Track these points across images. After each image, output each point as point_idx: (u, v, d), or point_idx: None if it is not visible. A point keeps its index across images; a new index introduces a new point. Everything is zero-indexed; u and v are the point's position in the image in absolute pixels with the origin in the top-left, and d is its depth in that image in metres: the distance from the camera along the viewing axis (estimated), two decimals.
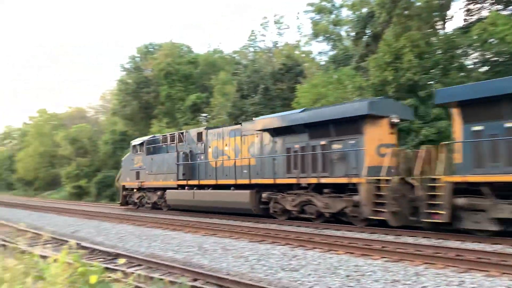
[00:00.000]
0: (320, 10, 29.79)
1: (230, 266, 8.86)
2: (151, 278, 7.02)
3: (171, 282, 6.56)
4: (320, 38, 30.76)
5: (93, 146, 43.87)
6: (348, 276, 7.60)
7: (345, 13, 29.94)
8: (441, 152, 11.13)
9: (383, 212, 11.70)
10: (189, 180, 19.05)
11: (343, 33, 30.68)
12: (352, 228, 12.49)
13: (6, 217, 21.80)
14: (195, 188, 18.70)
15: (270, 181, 15.27)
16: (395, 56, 18.80)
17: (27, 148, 56.66)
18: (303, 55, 35.52)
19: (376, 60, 19.52)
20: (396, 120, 13.15)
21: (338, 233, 12.02)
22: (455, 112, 11.05)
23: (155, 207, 21.55)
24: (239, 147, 17.10)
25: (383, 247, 9.69)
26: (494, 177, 9.88)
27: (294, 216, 14.62)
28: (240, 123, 17.96)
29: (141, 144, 22.68)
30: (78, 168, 41.32)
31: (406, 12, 19.54)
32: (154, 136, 23.44)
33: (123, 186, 23.98)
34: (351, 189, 12.68)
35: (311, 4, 30.80)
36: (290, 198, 14.60)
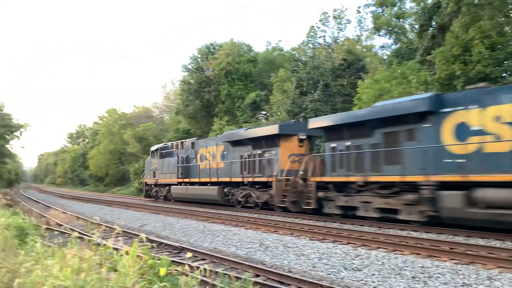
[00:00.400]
0: (382, 3, 28.84)
1: (292, 263, 8.88)
2: (216, 272, 7.20)
3: (236, 278, 6.70)
4: (382, 32, 29.78)
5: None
6: (414, 277, 7.34)
7: (409, 5, 28.73)
8: (311, 161, 16.54)
9: (286, 201, 17.10)
10: (184, 178, 24.75)
11: (406, 26, 29.52)
12: (417, 228, 12.03)
13: (81, 211, 23.36)
14: (188, 184, 24.44)
15: (228, 179, 20.89)
16: (463, 48, 17.77)
17: (98, 146, 60.18)
18: (365, 50, 34.66)
19: (443, 53, 18.56)
20: (302, 137, 18.15)
21: (403, 233, 11.63)
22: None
23: (166, 198, 27.33)
24: (216, 153, 22.61)
25: (451, 248, 9.26)
26: (335, 178, 15.11)
27: (244, 205, 20.01)
28: (219, 134, 23.84)
29: (156, 150, 29.00)
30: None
31: (476, 0, 18.41)
32: (166, 144, 29.57)
33: (146, 183, 30.62)
34: (270, 185, 18.07)
35: None
36: (239, 192, 20.41)
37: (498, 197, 10.03)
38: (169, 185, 26.46)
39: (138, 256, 5.10)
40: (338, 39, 37.05)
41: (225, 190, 21.27)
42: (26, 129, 48.04)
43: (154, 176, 28.70)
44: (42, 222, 16.58)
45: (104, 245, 5.68)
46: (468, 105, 11.33)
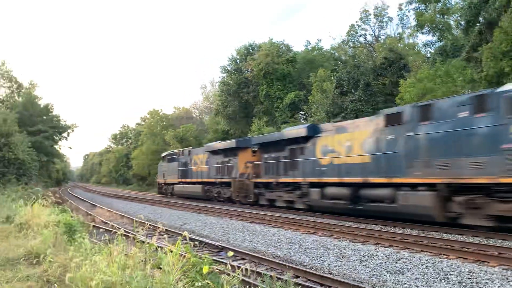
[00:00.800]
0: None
1: (332, 265, 8.79)
2: (257, 273, 7.23)
3: (277, 278, 6.71)
4: (425, 29, 28.88)
5: (199, 145, 46.46)
6: (460, 282, 7.09)
7: (454, 0, 27.73)
8: (253, 167, 22.42)
9: (239, 196, 23.39)
10: (182, 179, 31.50)
11: (451, 23, 28.51)
12: (464, 232, 11.59)
13: (125, 210, 24.09)
14: (185, 184, 31.14)
15: (207, 180, 27.54)
16: None
17: (141, 147, 61.83)
18: (407, 48, 33.77)
19: (491, 49, 17.79)
20: (254, 149, 22.95)
21: (449, 237, 11.24)
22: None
23: (172, 194, 33.76)
24: (202, 160, 28.70)
25: (500, 253, 8.86)
26: (262, 179, 21.33)
27: (218, 199, 26.25)
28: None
29: (165, 156, 36.19)
30: None
31: None
32: (172, 151, 36.81)
33: (158, 182, 38.13)
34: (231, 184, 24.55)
35: None
36: (214, 190, 26.77)
37: (332, 192, 16.35)
38: (173, 184, 33.41)
39: (181, 254, 5.22)
40: (379, 37, 36.31)
41: (206, 188, 27.87)
42: (73, 130, 50.19)
43: (164, 177, 35.75)
44: (88, 220, 17.27)
45: (148, 243, 5.85)
46: (323, 132, 17.68)
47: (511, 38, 17.06)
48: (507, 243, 10.17)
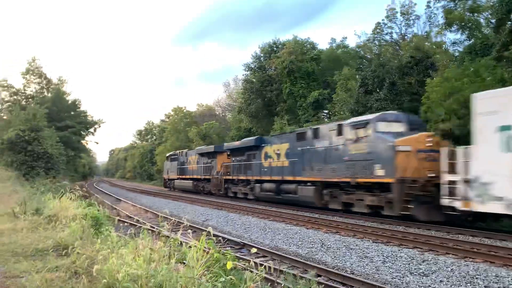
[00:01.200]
0: None
1: (354, 265, 8.74)
2: (280, 271, 7.24)
3: (300, 277, 6.72)
4: (454, 27, 28.19)
5: (222, 142, 46.70)
6: (487, 286, 6.95)
7: None
8: (226, 167, 27.99)
9: (215, 189, 29.01)
10: (180, 175, 37.76)
11: (482, 21, 27.75)
12: (491, 235, 11.32)
13: (149, 204, 24.49)
14: (182, 180, 37.11)
15: (196, 177, 33.50)
16: None
17: (165, 143, 62.59)
18: (434, 46, 33.05)
19: None
20: (228, 152, 28.39)
21: (475, 240, 11.00)
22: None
23: (174, 188, 39.86)
24: (194, 160, 34.36)
25: None
26: (228, 177, 27.63)
27: (203, 192, 31.70)
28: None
29: (169, 156, 43.34)
30: None
31: None
32: (175, 152, 42.96)
33: (164, 177, 45.19)
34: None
35: None
36: (200, 184, 32.47)
37: (266, 187, 22.37)
38: (174, 179, 39.96)
39: (204, 249, 5.29)
40: (406, 35, 35.66)
41: (195, 183, 33.88)
42: (100, 126, 51.16)
43: (167, 174, 42.68)
44: (113, 214, 17.60)
45: (173, 238, 5.94)
46: (267, 143, 23.12)
47: None
48: None
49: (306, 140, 18.91)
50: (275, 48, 43.69)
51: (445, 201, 12.22)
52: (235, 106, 54.39)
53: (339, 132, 16.53)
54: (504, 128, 10.40)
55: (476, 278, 7.41)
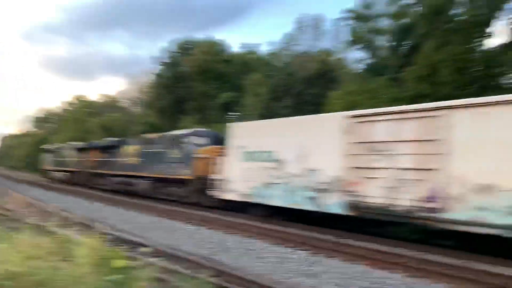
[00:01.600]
0: (359, 17, 29.25)
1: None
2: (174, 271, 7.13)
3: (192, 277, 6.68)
4: (358, 46, 30.21)
5: (126, 136, 44.78)
6: None
7: (387, 22, 29.32)
8: (93, 161, 30.66)
9: (84, 181, 31.85)
10: (58, 167, 39.73)
11: (382, 42, 30.13)
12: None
13: (38, 197, 22.57)
14: (59, 171, 39.07)
15: (72, 169, 35.45)
16: (432, 69, 18.34)
17: (62, 133, 58.41)
18: (339, 60, 35.08)
19: (413, 72, 19.10)
20: (100, 150, 30.18)
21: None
22: None
23: (52, 179, 41.11)
24: (71, 154, 36.81)
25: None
26: (94, 171, 30.54)
27: (78, 184, 32.90)
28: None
29: (46, 148, 44.77)
30: None
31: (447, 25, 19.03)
32: (51, 146, 45.37)
33: (43, 169, 45.57)
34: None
35: (350, 11, 30.32)
36: (75, 176, 34.26)
37: (118, 180, 25.89)
38: (51, 170, 42.05)
39: (93, 247, 5.02)
40: (314, 48, 37.39)
41: (71, 175, 35.57)
42: None
43: (45, 164, 44.60)
44: None
45: (58, 234, 5.56)
46: (124, 144, 26.08)
47: (431, 64, 18.42)
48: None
49: (151, 144, 22.91)
50: (190, 46, 43.12)
51: (211, 192, 16.92)
52: (143, 100, 52.56)
53: (171, 140, 20.95)
54: (240, 147, 15.63)
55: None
